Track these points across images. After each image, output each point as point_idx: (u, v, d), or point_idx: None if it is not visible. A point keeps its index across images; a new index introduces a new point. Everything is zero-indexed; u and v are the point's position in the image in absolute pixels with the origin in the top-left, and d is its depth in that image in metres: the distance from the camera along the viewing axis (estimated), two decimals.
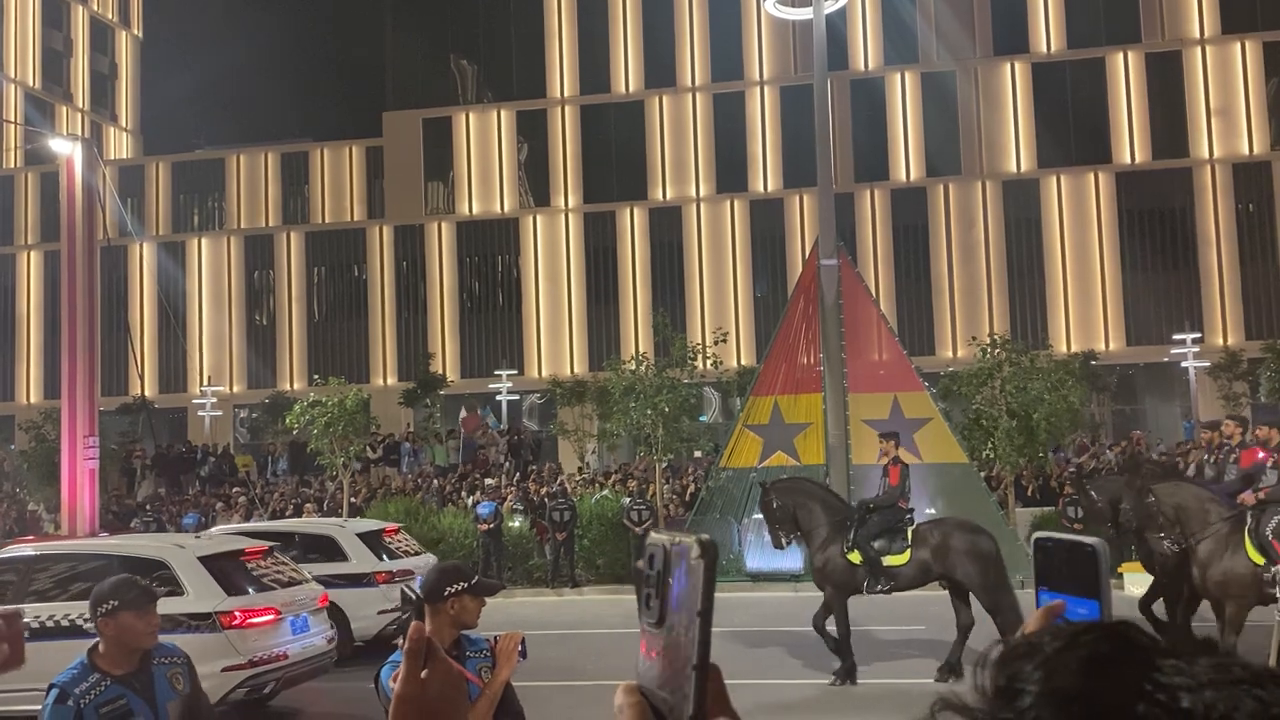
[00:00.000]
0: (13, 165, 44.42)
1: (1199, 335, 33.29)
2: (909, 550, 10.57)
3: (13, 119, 47.15)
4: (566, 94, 41.07)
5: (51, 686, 3.63)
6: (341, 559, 12.97)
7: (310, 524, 15.03)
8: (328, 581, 12.16)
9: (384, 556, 13.18)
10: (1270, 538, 9.52)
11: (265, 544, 11.19)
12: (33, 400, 40.18)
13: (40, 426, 26.65)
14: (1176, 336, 32.84)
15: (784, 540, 11.05)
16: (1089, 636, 0.71)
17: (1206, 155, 36.88)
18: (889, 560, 10.57)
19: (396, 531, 14.36)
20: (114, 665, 3.70)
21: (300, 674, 10.24)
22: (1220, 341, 34.55)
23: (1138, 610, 10.35)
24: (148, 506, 23.96)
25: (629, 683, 0.92)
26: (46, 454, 23.97)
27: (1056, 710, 0.66)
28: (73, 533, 16.61)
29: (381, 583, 12.81)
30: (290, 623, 10.19)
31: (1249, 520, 9.64)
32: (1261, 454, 10.40)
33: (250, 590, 10.04)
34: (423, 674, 1.10)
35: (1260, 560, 9.48)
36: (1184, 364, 32.83)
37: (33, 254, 42.89)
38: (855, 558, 10.52)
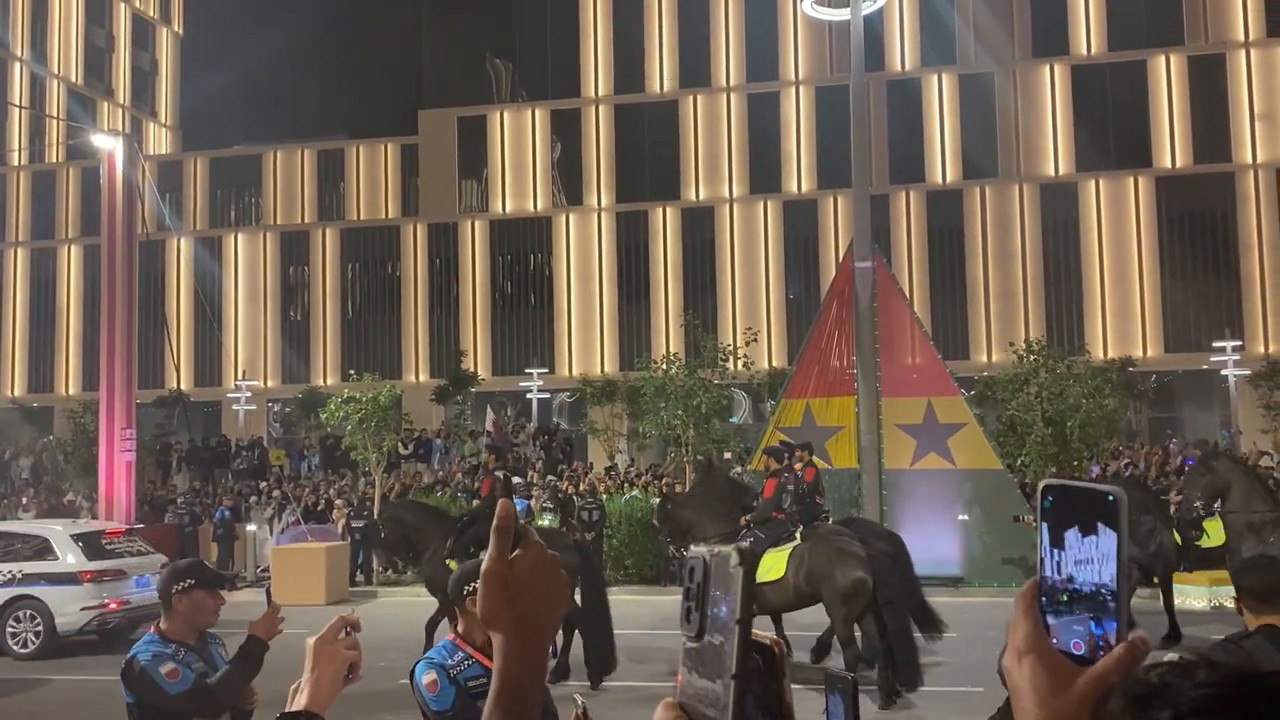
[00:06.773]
0: (55, 160, 45.08)
1: (1239, 343, 32.75)
2: None
3: (55, 114, 47.85)
4: (601, 93, 41.08)
5: (134, 656, 3.90)
6: (53, 558, 14.15)
7: (26, 525, 16.27)
8: (35, 579, 13.84)
9: (97, 557, 14.20)
10: None
11: None
12: (71, 391, 40.76)
13: (80, 417, 26.99)
14: (1216, 344, 32.31)
15: (399, 565, 12.37)
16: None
17: (1249, 160, 36.28)
18: None
19: (122, 534, 15.44)
20: (183, 639, 4.03)
21: None
22: (1261, 350, 33.98)
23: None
24: (178, 500, 24.20)
25: (670, 700, 0.90)
26: (85, 444, 24.29)
27: None
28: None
29: (87, 581, 13.93)
30: None
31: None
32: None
33: None
34: (513, 555, 1.12)
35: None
36: (1224, 372, 32.32)
37: (73, 248, 43.50)
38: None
